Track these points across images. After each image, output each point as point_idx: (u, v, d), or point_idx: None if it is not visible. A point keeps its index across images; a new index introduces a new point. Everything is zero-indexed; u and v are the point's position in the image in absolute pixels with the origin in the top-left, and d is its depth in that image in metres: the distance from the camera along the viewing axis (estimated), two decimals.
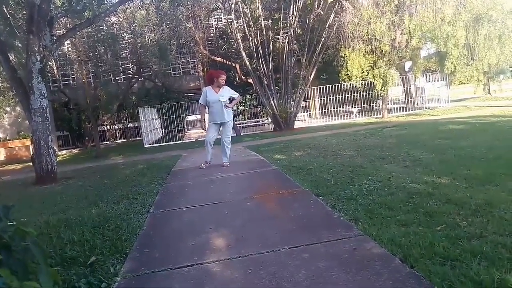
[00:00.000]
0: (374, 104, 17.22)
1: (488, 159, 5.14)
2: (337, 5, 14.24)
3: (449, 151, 6.06)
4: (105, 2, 12.00)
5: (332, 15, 14.27)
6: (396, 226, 2.96)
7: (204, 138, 8.13)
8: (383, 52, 14.67)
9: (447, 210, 3.18)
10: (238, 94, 7.21)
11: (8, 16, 10.03)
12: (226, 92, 6.81)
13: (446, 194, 3.63)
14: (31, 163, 8.92)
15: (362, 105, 16.82)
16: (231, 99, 6.97)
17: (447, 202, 3.39)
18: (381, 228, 2.93)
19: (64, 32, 12.04)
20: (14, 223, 1.48)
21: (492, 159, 5.13)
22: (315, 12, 14.37)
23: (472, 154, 5.61)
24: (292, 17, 14.41)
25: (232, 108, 7.06)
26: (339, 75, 15.49)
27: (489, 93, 21.18)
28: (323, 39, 14.58)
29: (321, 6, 14.28)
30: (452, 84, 23.42)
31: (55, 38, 9.49)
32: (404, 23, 14.72)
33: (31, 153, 11.06)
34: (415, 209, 3.30)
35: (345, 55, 14.80)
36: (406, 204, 3.45)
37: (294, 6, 14.24)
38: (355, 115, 16.86)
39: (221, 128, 6.92)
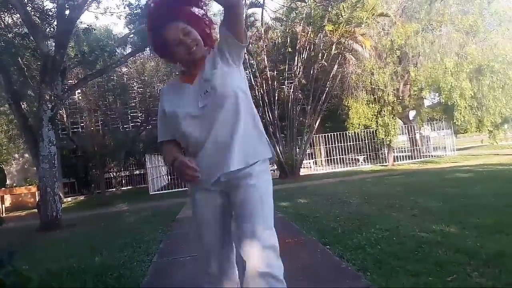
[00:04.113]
0: (380, 152, 17.27)
1: (498, 208, 5.05)
2: (340, 57, 14.71)
3: (457, 199, 5.98)
4: (116, 53, 12.51)
5: (336, 66, 14.70)
6: (405, 276, 2.87)
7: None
8: (387, 101, 14.93)
9: (457, 260, 3.10)
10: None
11: (23, 66, 10.49)
12: (217, 64, 1.75)
13: (456, 243, 3.55)
14: (36, 210, 8.90)
15: (368, 153, 16.85)
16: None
17: (457, 252, 3.30)
18: (390, 279, 2.84)
19: (75, 81, 12.48)
20: (16, 269, 1.47)
21: (502, 207, 5.04)
22: (319, 63, 14.82)
23: (481, 202, 5.53)
24: (297, 68, 14.85)
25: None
26: (344, 123, 15.70)
27: (495, 142, 21.26)
28: (327, 88, 14.92)
29: (324, 57, 14.76)
30: (464, 132, 23.49)
31: (66, 87, 9.83)
32: (407, 73, 15.10)
33: (37, 200, 11.07)
34: (424, 258, 3.21)
35: (349, 104, 15.07)
36: (415, 254, 3.37)
37: (299, 58, 14.74)
38: (361, 162, 16.85)
39: (229, 206, 1.77)
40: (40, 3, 10.61)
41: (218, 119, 1.67)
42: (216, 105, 1.67)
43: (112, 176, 19.93)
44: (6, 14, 10.45)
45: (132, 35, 12.42)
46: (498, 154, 15.24)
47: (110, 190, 18.69)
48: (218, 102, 1.67)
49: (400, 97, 15.81)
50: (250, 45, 15.69)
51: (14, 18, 10.79)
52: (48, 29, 10.25)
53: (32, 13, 9.57)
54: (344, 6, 14.46)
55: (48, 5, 10.80)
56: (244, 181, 1.69)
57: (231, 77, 1.74)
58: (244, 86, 1.80)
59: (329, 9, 14.45)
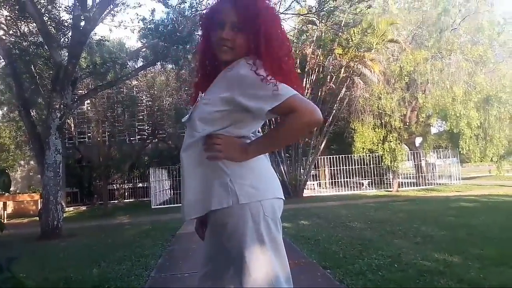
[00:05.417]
0: (385, 177, 17.17)
1: (502, 239, 4.98)
2: (348, 80, 14.81)
3: (461, 229, 5.90)
4: (128, 66, 12.70)
5: (344, 89, 14.79)
6: None
7: None
8: (393, 127, 14.92)
9: None
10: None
11: (35, 74, 10.67)
12: (221, 87, 1.42)
13: (459, 273, 3.49)
14: (37, 218, 8.89)
15: (373, 177, 16.75)
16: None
17: (459, 282, 3.24)
18: None
19: (86, 91, 12.65)
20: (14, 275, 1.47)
21: (506, 239, 4.97)
22: (327, 86, 14.92)
23: (485, 233, 5.45)
24: (305, 89, 14.94)
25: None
26: (350, 146, 15.69)
27: (500, 172, 21.11)
28: (334, 111, 14.98)
29: (333, 80, 14.87)
30: (469, 161, 23.43)
31: (76, 97, 9.95)
32: (415, 100, 15.13)
33: (39, 208, 11.08)
34: None
35: (355, 128, 15.09)
36: (416, 282, 3.32)
37: (307, 79, 14.84)
38: (365, 186, 16.74)
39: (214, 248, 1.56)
40: (57, 13, 10.84)
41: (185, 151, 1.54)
42: (202, 125, 1.47)
43: (115, 187, 19.90)
44: (22, 22, 10.68)
45: (144, 49, 12.63)
46: (503, 185, 15.08)
47: (113, 201, 18.65)
48: (201, 125, 1.47)
49: (407, 123, 15.81)
50: None
51: (30, 27, 11.02)
52: (62, 39, 10.45)
53: (48, 23, 9.77)
54: (355, 31, 14.64)
55: (64, 15, 11.02)
56: (215, 222, 1.48)
57: (214, 105, 1.42)
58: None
59: (340, 33, 14.63)
